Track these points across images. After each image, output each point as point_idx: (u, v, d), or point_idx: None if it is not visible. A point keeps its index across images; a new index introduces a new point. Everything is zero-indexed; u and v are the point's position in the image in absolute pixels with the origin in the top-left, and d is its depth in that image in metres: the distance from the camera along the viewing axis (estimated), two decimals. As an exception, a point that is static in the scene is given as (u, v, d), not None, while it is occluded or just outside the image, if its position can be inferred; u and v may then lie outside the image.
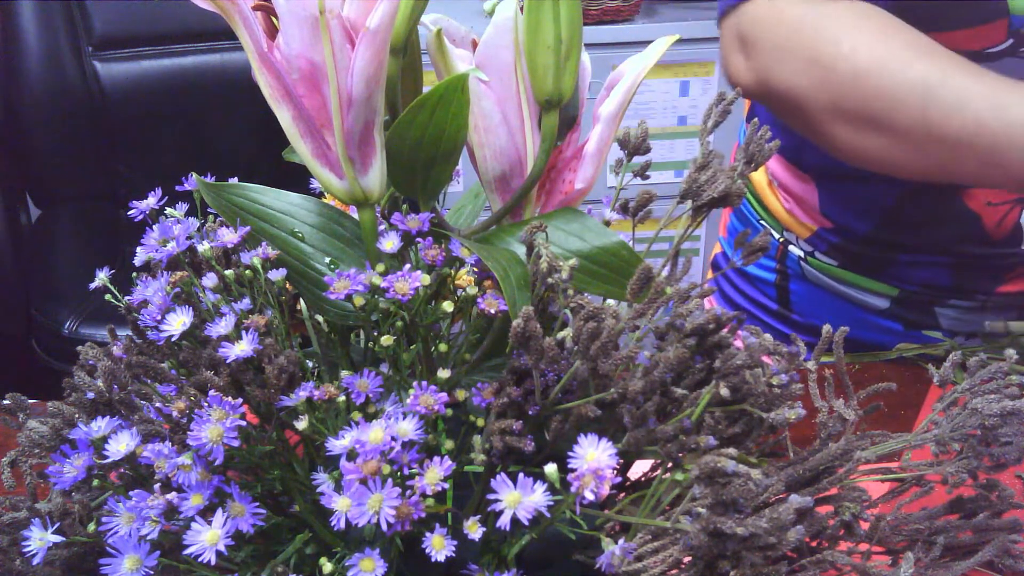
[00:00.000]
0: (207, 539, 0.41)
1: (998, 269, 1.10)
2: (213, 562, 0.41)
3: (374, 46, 0.44)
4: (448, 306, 0.47)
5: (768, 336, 0.54)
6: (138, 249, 0.54)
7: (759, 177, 1.22)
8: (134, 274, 0.53)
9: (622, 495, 0.55)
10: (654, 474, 0.55)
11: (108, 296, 0.56)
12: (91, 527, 0.46)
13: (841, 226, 1.14)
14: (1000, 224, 1.07)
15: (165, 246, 0.53)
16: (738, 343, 0.49)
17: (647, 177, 0.56)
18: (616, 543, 0.43)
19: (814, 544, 0.50)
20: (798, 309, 1.24)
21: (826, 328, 0.55)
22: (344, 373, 0.47)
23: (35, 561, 0.44)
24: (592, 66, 0.55)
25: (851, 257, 1.15)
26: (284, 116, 0.47)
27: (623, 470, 0.57)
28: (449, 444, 0.47)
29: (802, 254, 1.19)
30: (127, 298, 0.52)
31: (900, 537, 0.52)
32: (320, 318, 0.56)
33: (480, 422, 0.49)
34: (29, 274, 2.01)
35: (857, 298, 1.17)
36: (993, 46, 0.97)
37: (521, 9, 0.48)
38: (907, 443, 0.51)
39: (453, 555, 0.43)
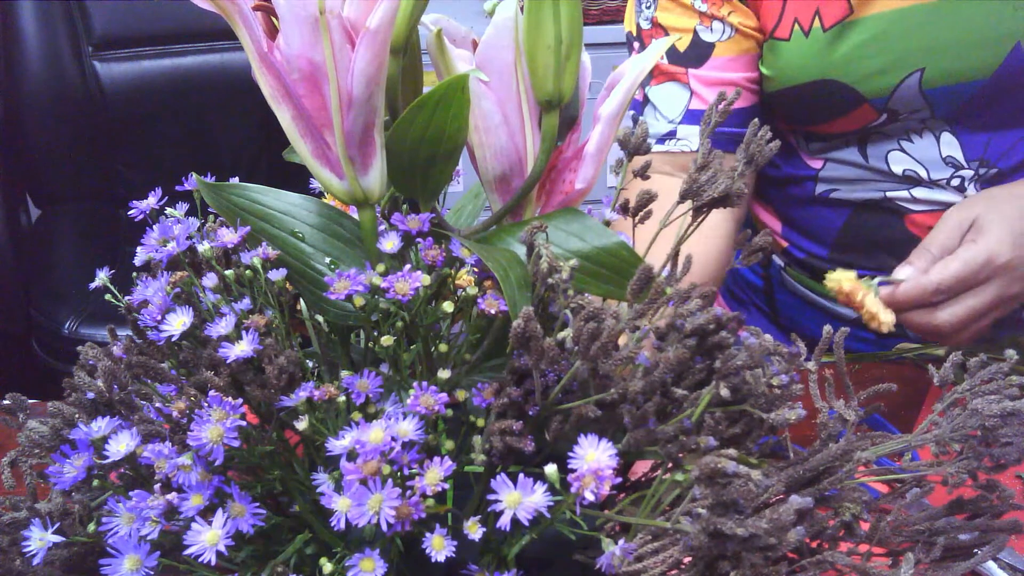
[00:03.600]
0: (207, 539, 0.41)
1: None
2: (213, 562, 0.41)
3: (374, 46, 0.44)
4: (448, 306, 0.47)
5: (768, 337, 0.54)
6: (138, 249, 0.54)
7: None
8: (134, 274, 0.53)
9: (622, 495, 0.55)
10: (654, 474, 0.55)
11: (108, 296, 0.56)
12: (91, 527, 0.46)
13: (801, 248, 1.21)
14: None
15: (165, 246, 0.53)
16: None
17: (647, 177, 0.56)
18: (616, 543, 0.43)
19: (814, 545, 0.50)
20: (784, 315, 1.27)
21: (826, 328, 0.55)
22: (344, 373, 0.47)
23: (35, 561, 0.44)
24: (592, 66, 0.55)
25: (816, 273, 1.18)
26: (284, 116, 0.47)
27: (623, 470, 0.57)
28: (449, 444, 0.47)
29: (782, 264, 1.23)
30: (127, 298, 0.52)
31: (900, 538, 0.52)
32: (320, 318, 0.55)
33: (480, 422, 0.49)
34: (29, 274, 2.00)
35: (829, 308, 1.22)
36: (872, 123, 1.06)
37: (521, 9, 0.48)
38: (907, 443, 0.51)
39: (453, 555, 0.43)
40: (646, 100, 1.16)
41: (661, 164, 1.13)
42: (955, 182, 1.07)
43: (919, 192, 1.09)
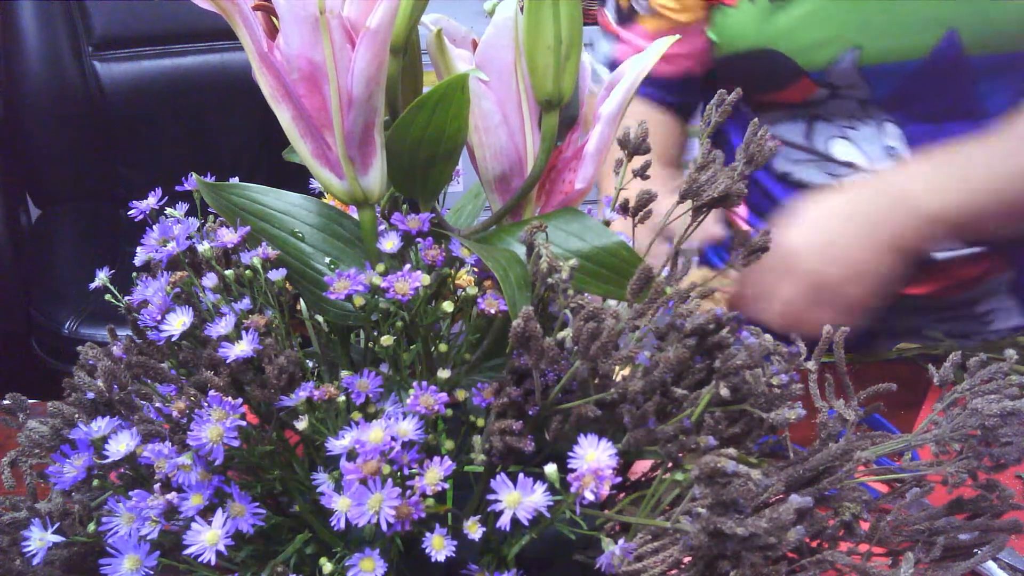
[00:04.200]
0: (207, 539, 0.41)
1: None
2: (213, 562, 0.41)
3: (374, 46, 0.44)
4: (448, 306, 0.47)
5: (768, 336, 0.53)
6: (138, 249, 0.54)
7: None
8: (134, 274, 0.53)
9: (622, 495, 0.55)
10: (654, 474, 0.55)
11: (108, 296, 0.56)
12: (91, 527, 0.46)
13: None
14: None
15: (165, 246, 0.53)
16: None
17: (647, 177, 0.56)
18: (616, 543, 0.43)
19: (814, 544, 0.50)
20: None
21: (826, 328, 0.55)
22: (344, 373, 0.47)
23: (35, 561, 0.44)
24: (592, 66, 0.55)
25: None
26: (284, 116, 0.47)
27: (623, 470, 0.57)
28: (449, 444, 0.47)
29: None
30: (127, 298, 0.52)
31: (900, 537, 0.52)
32: (320, 318, 0.55)
33: (480, 422, 0.49)
34: (29, 274, 2.00)
35: None
36: (813, 96, 1.08)
37: (521, 9, 0.48)
38: (907, 443, 0.51)
39: (453, 555, 0.43)
40: None
41: None
42: None
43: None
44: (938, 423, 0.51)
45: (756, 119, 0.58)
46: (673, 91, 1.19)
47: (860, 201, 0.93)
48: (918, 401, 0.94)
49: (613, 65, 1.17)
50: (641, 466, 0.54)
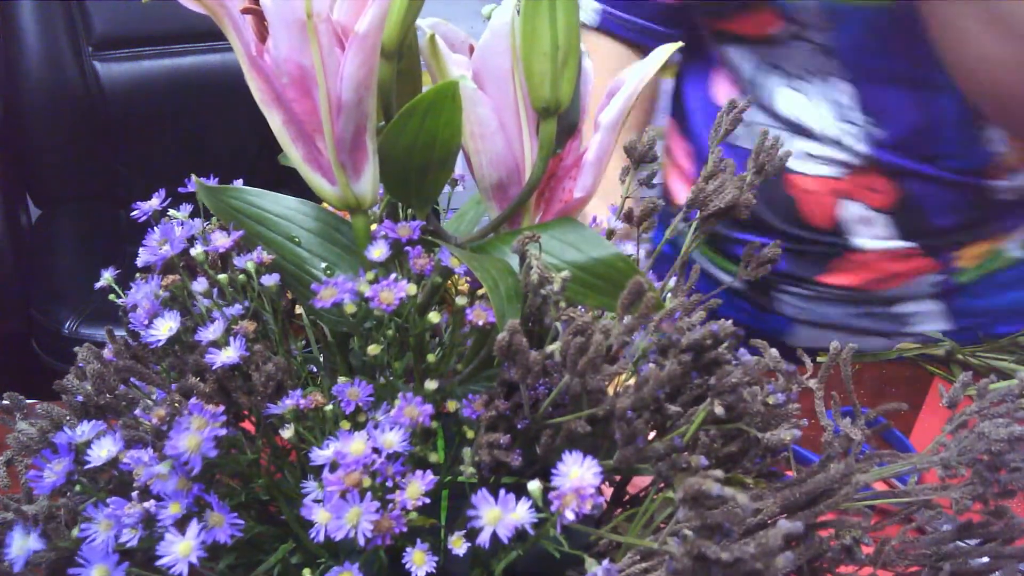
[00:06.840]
0: (180, 550, 0.40)
1: (820, 257, 1.13)
2: (185, 574, 0.40)
3: (363, 51, 0.43)
4: (435, 317, 0.46)
5: (774, 352, 0.52)
6: (141, 250, 0.53)
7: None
8: (138, 275, 0.53)
9: (619, 511, 0.54)
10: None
11: (112, 296, 0.56)
12: (74, 532, 0.45)
13: None
14: (818, 213, 1.10)
15: (162, 248, 0.52)
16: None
17: (653, 186, 0.55)
18: (600, 563, 0.42)
19: (816, 564, 0.49)
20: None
21: (834, 344, 0.53)
22: (342, 379, 0.47)
23: (16, 568, 0.44)
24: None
25: (716, 239, 1.21)
26: (275, 120, 0.46)
27: (622, 485, 0.56)
28: (434, 456, 0.46)
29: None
30: (121, 301, 0.52)
31: (907, 562, 0.50)
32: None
33: (471, 434, 0.48)
34: (29, 274, 1.99)
35: (714, 274, 1.23)
36: (773, 30, 1.04)
37: (518, 13, 0.47)
38: (912, 466, 0.49)
39: (434, 571, 0.42)
40: None
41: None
42: (847, 140, 1.05)
43: (802, 143, 1.08)
44: (946, 445, 0.49)
45: (767, 130, 0.57)
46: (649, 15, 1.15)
47: None
48: (918, 402, 0.92)
49: None
50: (644, 480, 0.53)
